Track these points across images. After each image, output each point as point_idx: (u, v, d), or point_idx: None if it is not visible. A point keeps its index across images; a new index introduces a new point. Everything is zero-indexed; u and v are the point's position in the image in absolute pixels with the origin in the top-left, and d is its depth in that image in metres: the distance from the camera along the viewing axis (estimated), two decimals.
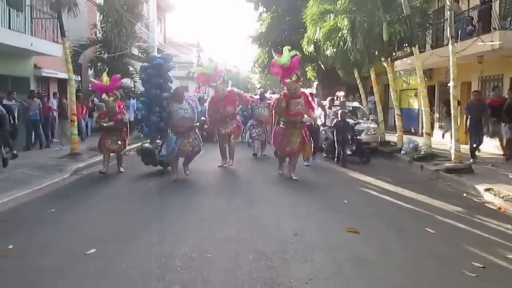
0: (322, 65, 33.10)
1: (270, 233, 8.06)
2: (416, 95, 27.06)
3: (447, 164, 14.44)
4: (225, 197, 11.43)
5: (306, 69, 38.42)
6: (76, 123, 17.90)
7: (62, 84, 26.17)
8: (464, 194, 11.84)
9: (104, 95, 14.70)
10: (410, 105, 30.16)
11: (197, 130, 13.81)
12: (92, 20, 26.52)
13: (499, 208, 10.37)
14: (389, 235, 8.09)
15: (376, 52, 22.32)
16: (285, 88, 13.68)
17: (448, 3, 15.36)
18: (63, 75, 23.89)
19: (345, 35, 21.36)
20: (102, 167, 14.51)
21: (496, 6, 18.10)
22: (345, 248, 7.26)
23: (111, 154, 15.14)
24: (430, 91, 24.85)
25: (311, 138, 14.40)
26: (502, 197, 10.85)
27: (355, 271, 6.29)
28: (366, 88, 26.75)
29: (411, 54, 19.83)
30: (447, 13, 15.82)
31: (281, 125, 13.86)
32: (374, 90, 22.87)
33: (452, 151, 15.03)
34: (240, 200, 10.89)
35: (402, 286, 5.92)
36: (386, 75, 22.34)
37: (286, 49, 13.63)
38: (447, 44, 16.75)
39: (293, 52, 13.50)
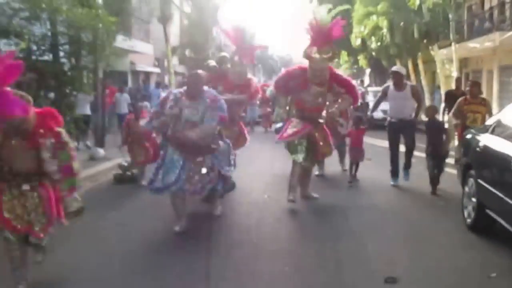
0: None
1: None
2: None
3: None
4: None
5: (358, 58, 45.29)
6: None
7: (147, 76, 34.44)
8: None
9: None
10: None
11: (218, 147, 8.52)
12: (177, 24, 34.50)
13: None
14: None
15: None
16: (308, 62, 9.63)
17: (450, 16, 22.47)
18: (149, 69, 32.39)
19: (384, 33, 28.84)
20: None
21: None
22: None
23: None
24: (466, 78, 31.75)
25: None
26: None
27: None
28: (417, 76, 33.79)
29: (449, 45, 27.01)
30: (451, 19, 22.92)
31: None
32: (411, 78, 30.30)
33: None
34: None
35: None
36: (433, 63, 29.58)
37: (324, 7, 10.03)
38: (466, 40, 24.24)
39: (339, 9, 10.08)
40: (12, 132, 5.72)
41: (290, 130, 9.68)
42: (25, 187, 5.96)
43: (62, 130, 6.01)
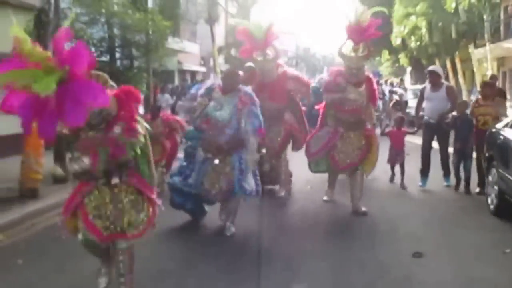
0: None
1: None
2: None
3: None
4: None
5: (399, 56, 45.81)
6: None
7: (193, 75, 35.73)
8: None
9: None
10: None
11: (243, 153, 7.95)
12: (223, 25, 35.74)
13: None
14: None
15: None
16: (344, 62, 9.37)
17: (485, 16, 23.12)
18: (195, 68, 33.68)
19: (423, 33, 29.56)
20: None
21: None
22: None
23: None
24: (503, 76, 32.16)
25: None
26: None
27: None
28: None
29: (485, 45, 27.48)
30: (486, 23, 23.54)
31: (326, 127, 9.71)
32: (450, 77, 30.88)
33: None
34: None
35: None
36: (471, 62, 30.18)
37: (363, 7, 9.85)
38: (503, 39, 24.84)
39: (375, 10, 9.88)
40: (95, 122, 4.97)
41: (314, 148, 9.79)
42: (115, 180, 5.15)
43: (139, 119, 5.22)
